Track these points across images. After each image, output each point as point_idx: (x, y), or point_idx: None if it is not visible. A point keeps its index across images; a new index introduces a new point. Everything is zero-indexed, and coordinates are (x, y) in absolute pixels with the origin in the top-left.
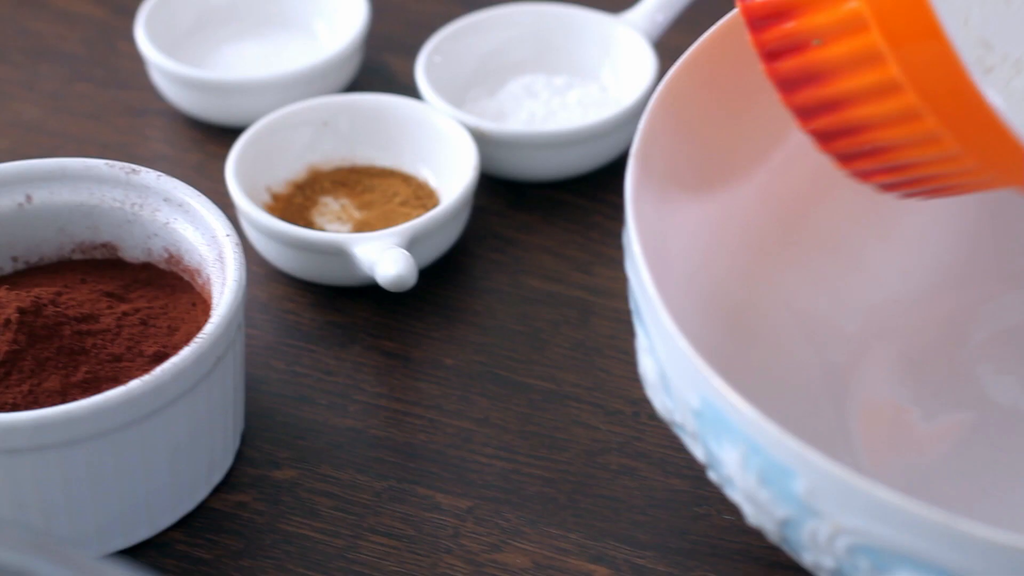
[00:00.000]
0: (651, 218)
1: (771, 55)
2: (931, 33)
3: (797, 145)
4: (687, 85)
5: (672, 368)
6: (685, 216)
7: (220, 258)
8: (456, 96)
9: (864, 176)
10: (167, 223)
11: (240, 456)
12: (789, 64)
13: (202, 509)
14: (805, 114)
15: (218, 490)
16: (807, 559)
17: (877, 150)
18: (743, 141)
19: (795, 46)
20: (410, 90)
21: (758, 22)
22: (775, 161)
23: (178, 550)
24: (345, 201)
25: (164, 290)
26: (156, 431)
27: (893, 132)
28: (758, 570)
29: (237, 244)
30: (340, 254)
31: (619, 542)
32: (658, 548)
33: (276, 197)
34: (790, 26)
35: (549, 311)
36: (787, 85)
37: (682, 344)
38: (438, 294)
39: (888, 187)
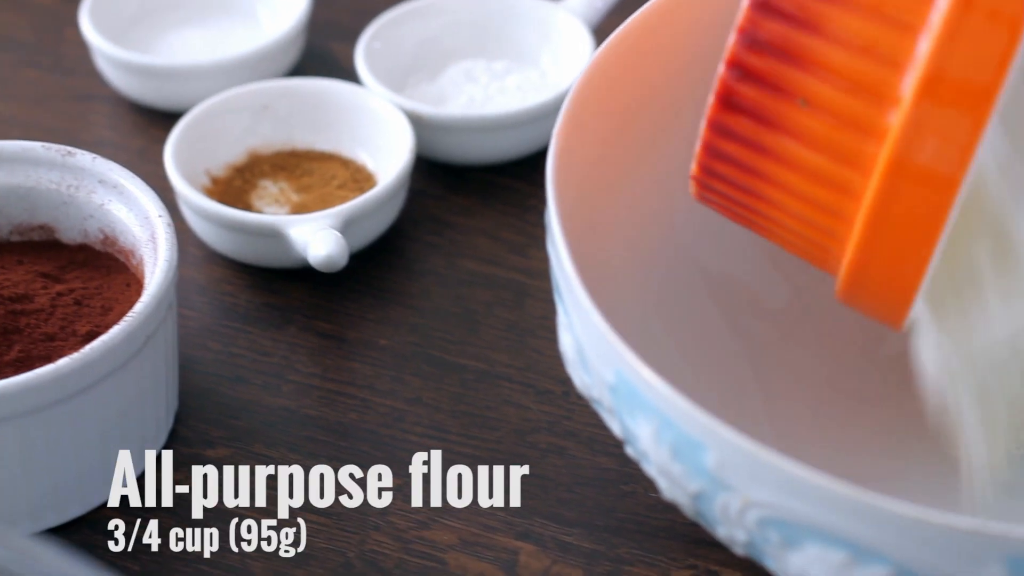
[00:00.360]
0: (573, 197)
1: (744, 77)
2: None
3: None
4: (612, 66)
5: (588, 344)
6: (608, 195)
7: (153, 239)
8: (397, 81)
9: (707, 197)
10: (102, 205)
11: (174, 435)
12: (755, 99)
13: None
14: (722, 137)
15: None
16: (721, 533)
17: (758, 199)
18: (667, 120)
19: (775, 88)
20: (353, 75)
21: (757, 44)
22: (693, 136)
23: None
24: (284, 184)
25: (100, 271)
26: (86, 409)
27: (799, 208)
28: (682, 546)
29: (169, 225)
30: (275, 236)
31: (546, 519)
32: (584, 525)
33: (215, 180)
34: (786, 70)
35: (484, 293)
36: (734, 109)
37: (596, 319)
38: (374, 276)
39: (721, 209)
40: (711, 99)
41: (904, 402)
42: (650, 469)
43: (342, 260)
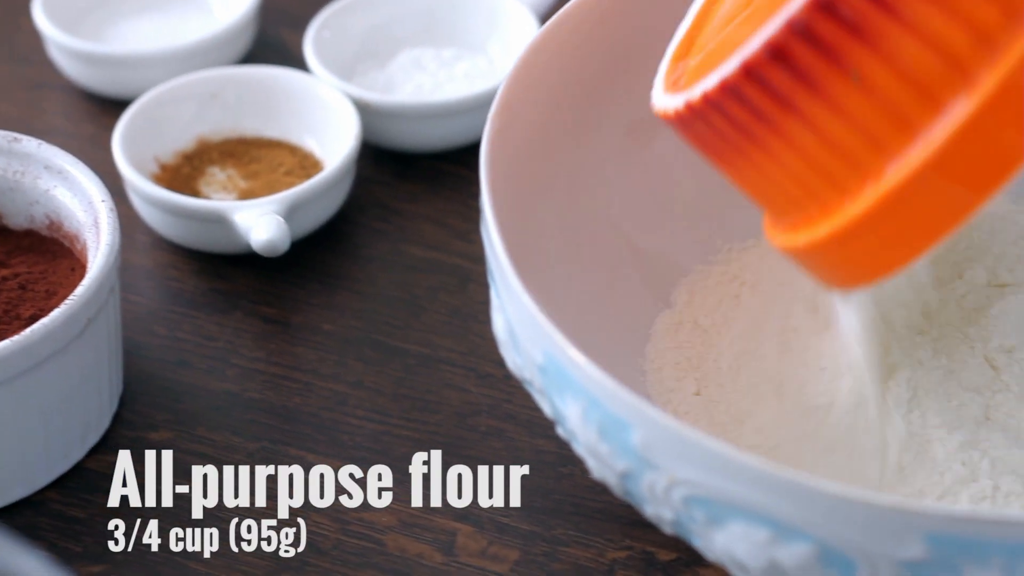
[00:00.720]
0: (507, 181)
1: (806, 38)
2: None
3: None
4: (547, 51)
5: (518, 324)
6: (543, 179)
7: (96, 224)
8: (346, 69)
9: (697, 136)
10: (48, 190)
11: (118, 418)
12: (808, 61)
13: (78, 469)
14: (752, 83)
15: (95, 451)
16: (649, 512)
17: (758, 149)
18: (601, 104)
19: (835, 57)
20: (304, 63)
21: (833, 12)
22: (632, 123)
23: (53, 509)
24: (232, 171)
25: (45, 256)
26: (28, 391)
27: (799, 169)
28: (618, 527)
29: (112, 210)
30: (220, 221)
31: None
32: (522, 507)
33: (164, 167)
34: (853, 44)
35: (428, 278)
36: (780, 63)
37: (525, 300)
38: (320, 262)
39: (696, 139)
40: (756, 45)
41: (830, 381)
42: (579, 449)
43: (283, 245)
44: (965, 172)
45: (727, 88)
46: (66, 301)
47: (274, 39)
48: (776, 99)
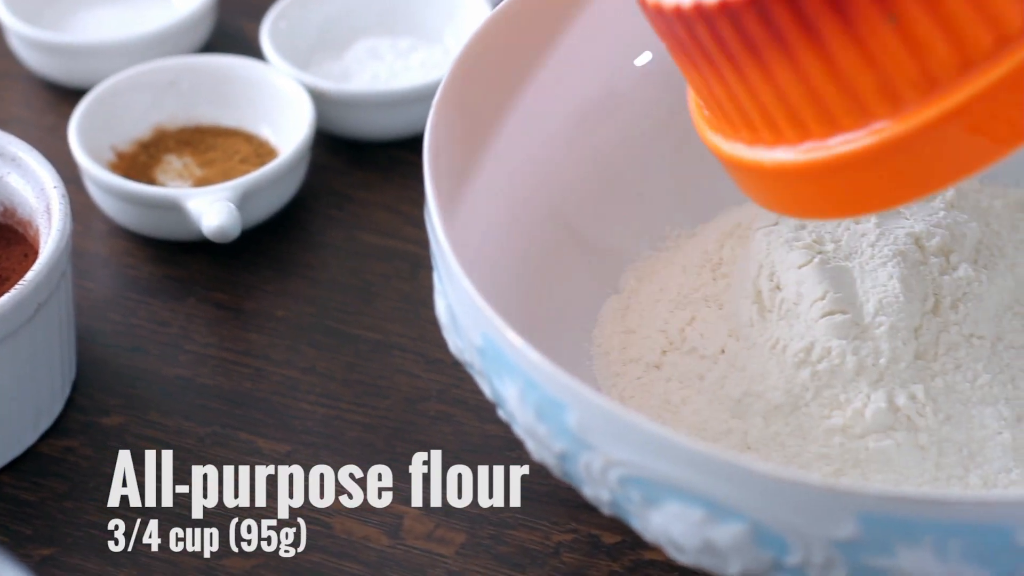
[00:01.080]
0: (450, 166)
1: None
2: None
3: (598, 93)
4: (493, 40)
5: (458, 307)
6: (486, 165)
7: (48, 209)
8: (302, 59)
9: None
10: (1, 177)
11: (70, 403)
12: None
13: (30, 453)
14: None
15: (47, 435)
16: (588, 493)
17: (758, 65)
18: (545, 91)
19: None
20: (262, 53)
21: None
22: (577, 112)
23: (5, 492)
24: (188, 159)
25: (0, 243)
26: None
27: (795, 93)
28: (564, 510)
29: (64, 196)
30: (173, 208)
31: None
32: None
33: (121, 156)
34: None
35: (381, 265)
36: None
37: (463, 282)
38: (274, 249)
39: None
40: None
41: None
42: (519, 431)
43: (234, 231)
44: (986, 127)
45: (755, 3)
46: (16, 286)
47: (233, 29)
48: (799, 20)
